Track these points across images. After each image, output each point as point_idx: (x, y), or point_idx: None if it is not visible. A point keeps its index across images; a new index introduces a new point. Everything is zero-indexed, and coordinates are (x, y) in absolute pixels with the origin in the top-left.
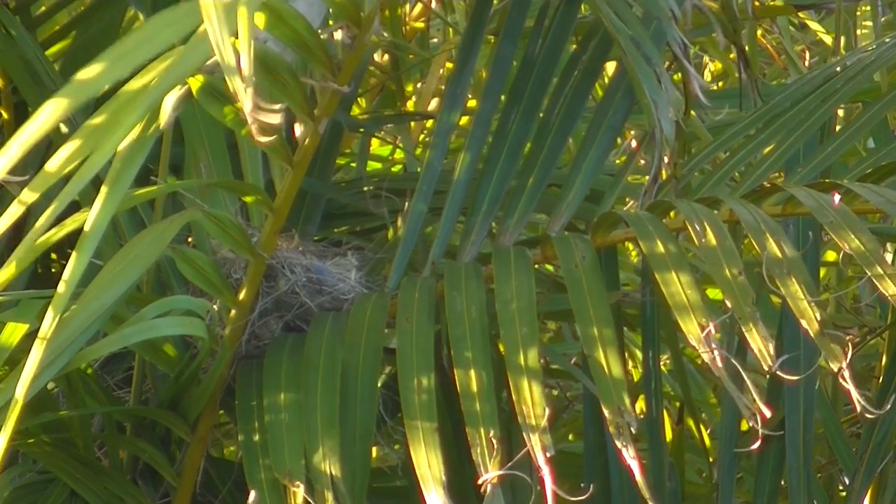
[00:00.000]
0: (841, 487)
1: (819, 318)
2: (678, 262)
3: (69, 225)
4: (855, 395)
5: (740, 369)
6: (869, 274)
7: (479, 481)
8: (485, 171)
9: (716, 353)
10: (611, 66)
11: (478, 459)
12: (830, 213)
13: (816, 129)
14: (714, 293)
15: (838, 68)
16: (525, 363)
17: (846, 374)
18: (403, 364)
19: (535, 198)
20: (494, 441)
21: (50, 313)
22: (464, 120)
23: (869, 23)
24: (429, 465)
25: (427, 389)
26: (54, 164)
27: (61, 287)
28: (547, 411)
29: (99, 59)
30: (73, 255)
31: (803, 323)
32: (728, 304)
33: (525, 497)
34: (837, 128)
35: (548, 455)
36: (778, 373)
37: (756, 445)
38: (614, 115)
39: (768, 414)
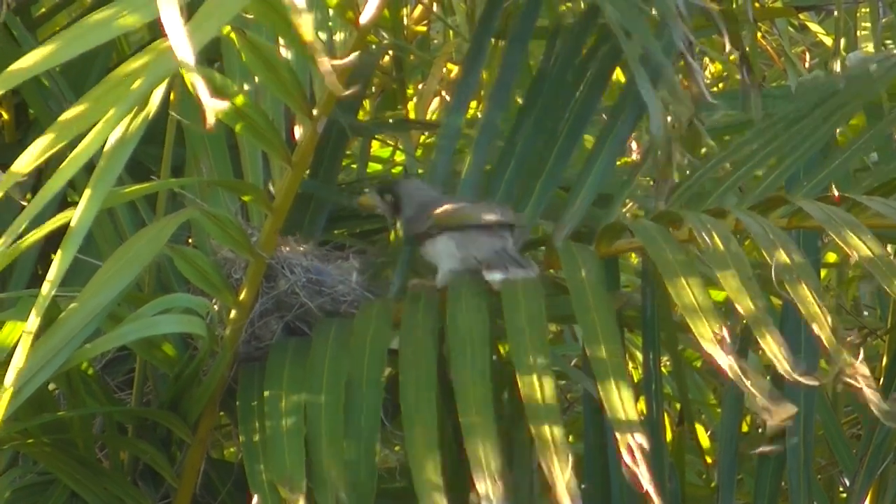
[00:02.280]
0: (841, 489)
1: (831, 322)
2: (687, 267)
3: (54, 223)
4: (870, 395)
5: (748, 370)
6: (878, 280)
7: (479, 488)
8: (491, 176)
9: (730, 357)
10: (619, 73)
11: (476, 472)
12: (838, 222)
13: (821, 144)
14: (716, 294)
15: (842, 85)
16: (534, 363)
17: (860, 376)
18: (406, 371)
19: (542, 204)
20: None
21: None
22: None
23: (869, 24)
24: (426, 470)
25: (428, 397)
26: (24, 161)
27: (45, 287)
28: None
29: (53, 40)
30: (59, 252)
31: (815, 328)
32: (739, 309)
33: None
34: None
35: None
36: (794, 376)
37: (772, 448)
38: (622, 126)
39: (793, 410)
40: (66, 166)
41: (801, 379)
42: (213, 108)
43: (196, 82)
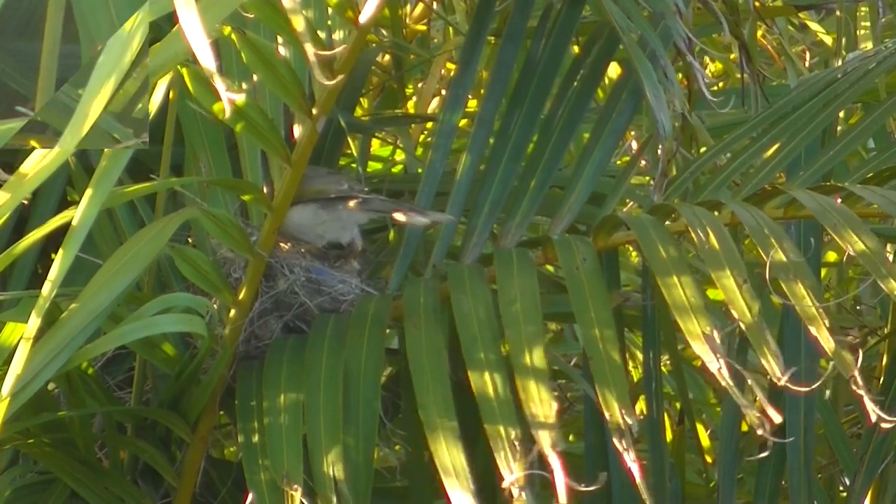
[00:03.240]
0: (841, 488)
1: (828, 323)
2: (680, 267)
3: (55, 221)
4: (869, 403)
5: (745, 374)
6: (874, 277)
7: (505, 484)
8: (487, 172)
9: (721, 361)
10: (613, 70)
11: (501, 461)
12: (833, 215)
13: (818, 132)
14: (714, 293)
15: (839, 75)
16: (531, 363)
17: (858, 380)
18: (417, 370)
19: (538, 200)
20: (517, 442)
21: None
22: (463, 122)
23: (869, 23)
24: (453, 464)
25: (443, 393)
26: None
27: (46, 287)
28: (555, 407)
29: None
30: (60, 251)
31: (812, 329)
32: (734, 314)
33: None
34: (839, 128)
35: (557, 451)
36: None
37: (763, 454)
38: (618, 119)
39: (777, 419)
40: (52, 159)
41: (791, 386)
42: (232, 99)
43: (213, 74)
